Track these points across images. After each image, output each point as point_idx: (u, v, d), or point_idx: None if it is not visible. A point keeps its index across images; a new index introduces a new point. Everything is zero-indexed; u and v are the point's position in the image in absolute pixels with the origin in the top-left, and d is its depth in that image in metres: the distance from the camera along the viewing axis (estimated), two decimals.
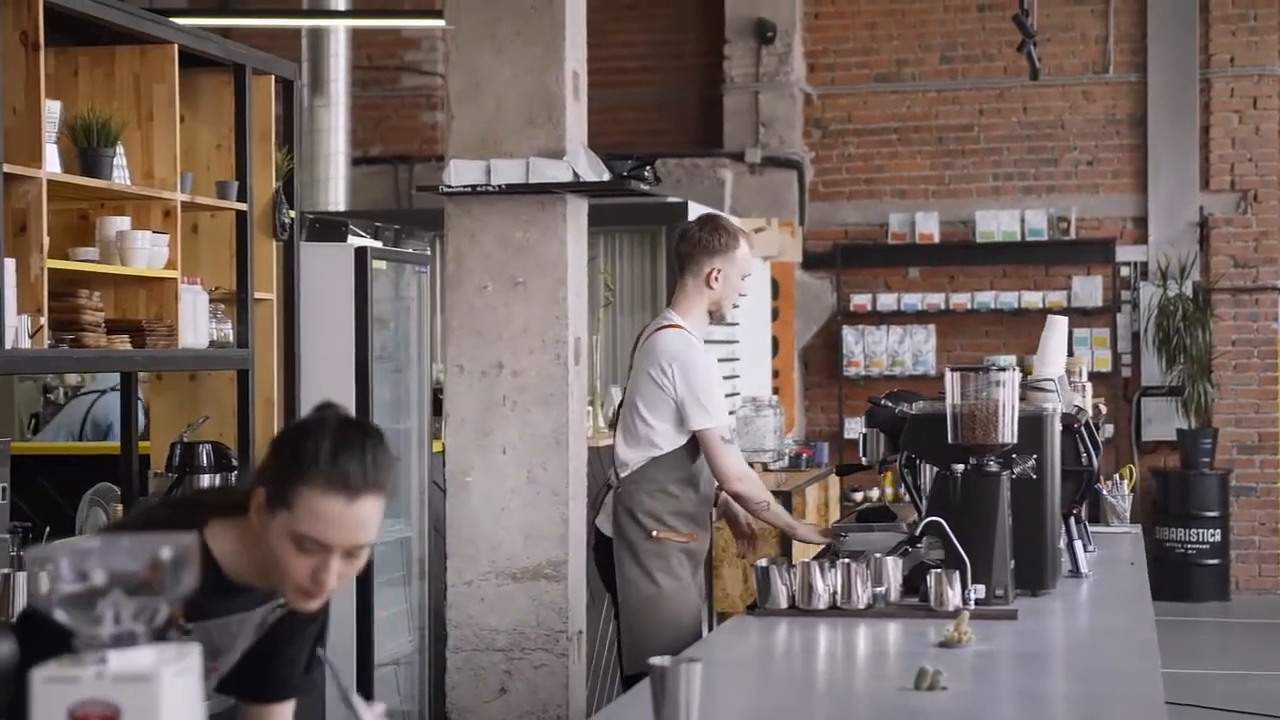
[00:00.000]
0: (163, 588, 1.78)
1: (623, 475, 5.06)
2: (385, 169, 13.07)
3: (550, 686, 5.40)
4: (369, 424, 2.60)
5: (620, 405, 5.27)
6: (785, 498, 9.01)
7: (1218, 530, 11.89)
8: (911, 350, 12.54)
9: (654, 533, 4.99)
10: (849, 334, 12.63)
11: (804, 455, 10.51)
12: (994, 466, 4.34)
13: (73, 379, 8.21)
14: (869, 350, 12.62)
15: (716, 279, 5.06)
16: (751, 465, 9.92)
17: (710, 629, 6.07)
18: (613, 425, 8.11)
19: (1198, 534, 11.87)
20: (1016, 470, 4.40)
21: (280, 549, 2.48)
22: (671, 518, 5.01)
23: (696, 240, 5.11)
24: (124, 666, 1.74)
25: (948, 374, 4.41)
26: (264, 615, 2.70)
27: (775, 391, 11.85)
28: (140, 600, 1.77)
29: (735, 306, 5.22)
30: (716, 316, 5.15)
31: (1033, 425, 4.49)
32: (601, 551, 5.19)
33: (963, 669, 3.48)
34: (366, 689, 6.05)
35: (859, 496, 11.47)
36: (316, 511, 2.44)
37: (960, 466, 4.33)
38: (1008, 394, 4.33)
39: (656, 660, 2.73)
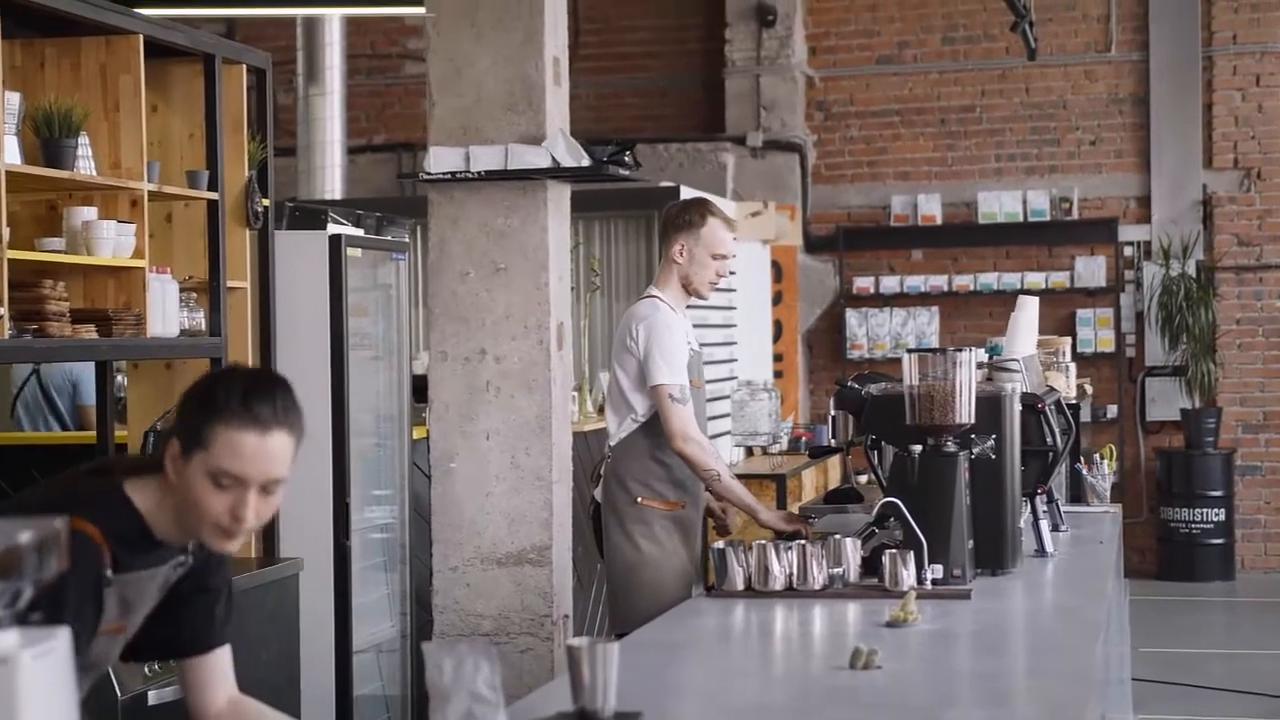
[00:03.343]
0: (24, 571, 1.80)
1: (612, 444, 5.13)
2: (388, 156, 13.12)
3: (536, 671, 5.42)
4: (276, 374, 2.76)
5: None
6: (780, 481, 9.02)
7: (1222, 510, 11.86)
8: (915, 332, 12.52)
9: (638, 499, 5.05)
10: (852, 317, 12.62)
11: (803, 439, 10.51)
12: (952, 447, 4.34)
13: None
14: (872, 333, 12.61)
15: (682, 254, 5.17)
16: (750, 450, 10.05)
17: None
18: (601, 410, 8.16)
19: (1202, 514, 11.84)
20: (975, 450, 4.41)
21: (199, 489, 2.63)
22: (660, 484, 5.07)
23: (668, 217, 5.26)
24: None
25: (905, 356, 4.42)
26: (167, 575, 2.79)
27: (778, 375, 11.85)
28: (2, 584, 1.80)
29: (714, 284, 5.25)
30: (692, 292, 5.21)
31: (991, 405, 4.49)
32: (598, 519, 5.26)
33: (904, 648, 3.50)
34: (345, 674, 6.09)
35: (864, 479, 11.44)
36: (233, 446, 2.60)
37: (918, 447, 4.34)
38: (965, 375, 4.34)
39: (573, 640, 2.76)
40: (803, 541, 4.26)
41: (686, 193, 9.72)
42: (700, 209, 5.22)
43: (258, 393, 2.64)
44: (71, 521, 2.52)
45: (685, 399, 4.98)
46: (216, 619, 2.92)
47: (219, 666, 2.95)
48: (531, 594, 5.52)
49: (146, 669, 4.34)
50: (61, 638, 1.83)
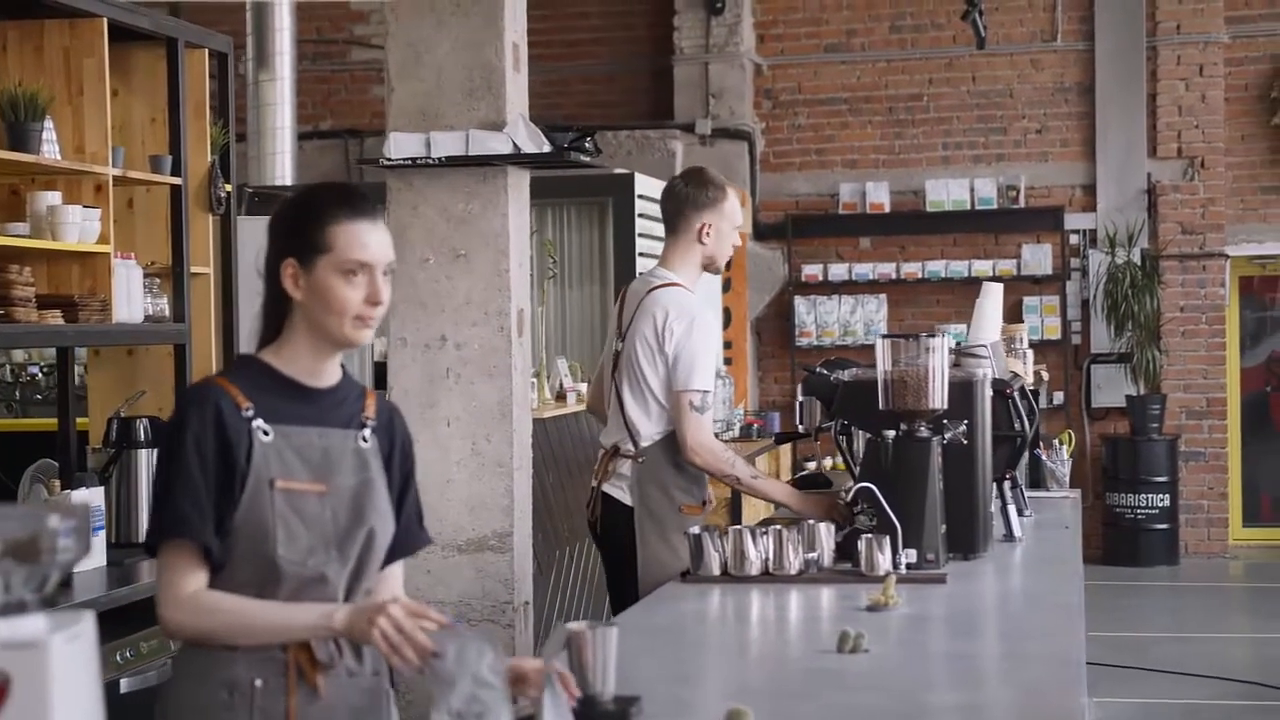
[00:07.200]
0: (52, 555, 1.78)
1: (643, 445, 4.84)
2: (335, 143, 13.05)
3: None
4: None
5: (614, 368, 4.95)
6: None
7: (1166, 495, 12.00)
8: (863, 320, 12.58)
9: (681, 507, 4.84)
10: (801, 304, 12.66)
11: (755, 425, 10.56)
12: (925, 432, 4.37)
13: (20, 355, 8.21)
14: (821, 320, 12.65)
15: (708, 234, 4.87)
16: None
17: None
18: (559, 397, 8.14)
19: (1147, 499, 11.97)
20: (947, 436, 4.43)
21: (333, 289, 2.78)
22: (695, 486, 4.88)
23: (684, 196, 4.90)
24: (14, 634, 1.74)
25: (878, 341, 4.43)
26: (354, 441, 2.86)
27: (728, 363, 11.88)
28: (31, 568, 1.78)
29: (729, 258, 5.09)
30: (714, 270, 4.98)
31: (963, 391, 4.52)
32: (610, 518, 4.93)
33: (887, 632, 3.52)
34: None
35: (812, 465, 11.50)
36: (355, 237, 2.78)
37: (891, 432, 4.36)
38: (937, 360, 4.36)
39: (572, 625, 2.75)
40: (778, 526, 4.27)
41: (641, 180, 9.72)
42: (716, 183, 4.93)
43: (350, 190, 2.86)
44: None
45: (704, 407, 4.77)
46: (410, 517, 2.95)
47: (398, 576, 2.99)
48: (493, 581, 5.52)
49: (118, 656, 4.29)
50: (87, 621, 1.81)
